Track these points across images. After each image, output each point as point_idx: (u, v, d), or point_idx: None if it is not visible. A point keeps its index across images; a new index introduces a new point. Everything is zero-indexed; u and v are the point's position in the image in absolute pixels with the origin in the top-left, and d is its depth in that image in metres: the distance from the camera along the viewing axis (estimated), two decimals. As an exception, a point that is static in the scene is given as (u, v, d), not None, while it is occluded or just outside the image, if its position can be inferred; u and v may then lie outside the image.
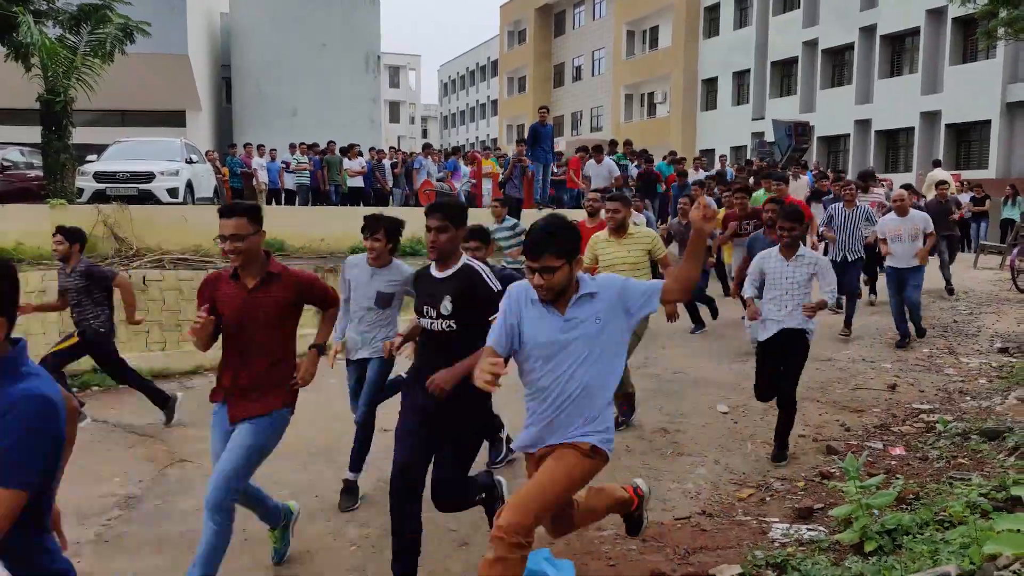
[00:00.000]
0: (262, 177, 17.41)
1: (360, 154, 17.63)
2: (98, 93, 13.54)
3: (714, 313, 9.94)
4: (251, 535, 4.41)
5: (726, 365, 8.20)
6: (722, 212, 9.44)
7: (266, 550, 4.22)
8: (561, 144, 31.60)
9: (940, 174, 17.86)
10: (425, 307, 3.67)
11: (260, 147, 18.07)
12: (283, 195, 17.80)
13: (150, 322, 9.11)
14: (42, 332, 8.54)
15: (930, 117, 27.15)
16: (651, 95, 41.06)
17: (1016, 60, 24.24)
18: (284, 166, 17.64)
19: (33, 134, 14.18)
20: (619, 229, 6.05)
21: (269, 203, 17.42)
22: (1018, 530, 2.80)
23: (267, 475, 4.24)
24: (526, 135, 15.02)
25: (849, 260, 9.18)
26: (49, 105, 12.90)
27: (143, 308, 9.08)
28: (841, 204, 9.58)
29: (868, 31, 29.27)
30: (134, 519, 4.82)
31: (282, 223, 12.34)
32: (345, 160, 17.06)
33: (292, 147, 17.99)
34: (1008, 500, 3.84)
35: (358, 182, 16.93)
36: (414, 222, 6.45)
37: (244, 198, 16.94)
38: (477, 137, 61.93)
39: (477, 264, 3.72)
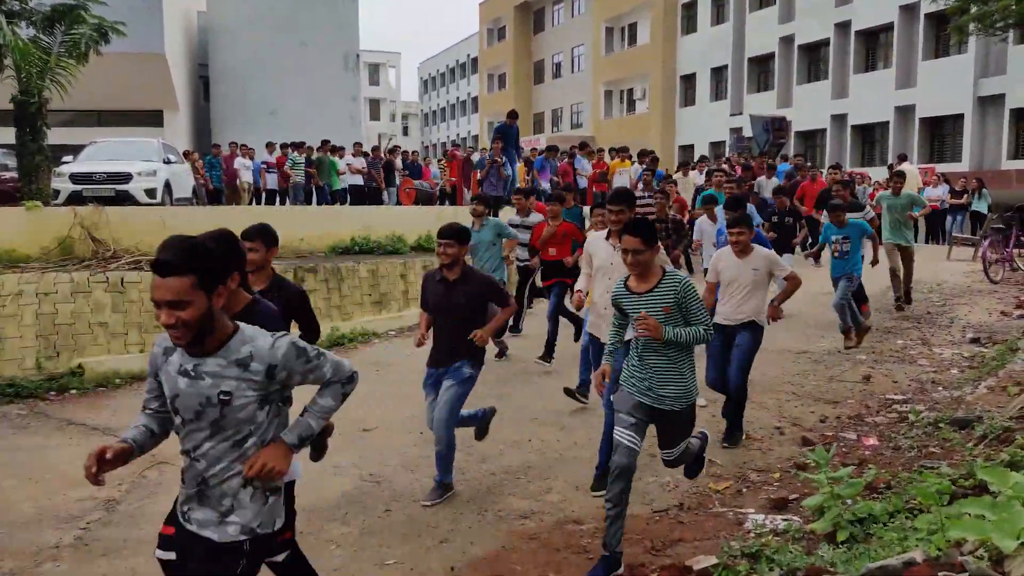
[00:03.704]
0: (245, 177, 17.29)
1: (366, 153, 17.65)
2: (74, 93, 13.37)
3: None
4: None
5: (704, 359, 8.27)
6: None
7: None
8: (543, 141, 31.65)
9: (908, 168, 18.07)
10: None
11: (243, 146, 17.93)
12: (263, 195, 17.69)
13: (128, 324, 9.05)
14: (18, 335, 8.47)
15: (904, 111, 27.50)
16: (630, 91, 41.20)
17: (987, 55, 24.60)
18: (266, 166, 17.53)
19: (7, 135, 13.99)
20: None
21: (251, 203, 17.28)
22: (982, 516, 2.87)
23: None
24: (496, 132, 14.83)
25: None
26: (23, 106, 12.73)
27: (121, 310, 9.02)
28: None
29: (843, 27, 29.57)
30: (114, 522, 4.82)
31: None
32: (348, 157, 17.04)
33: (270, 146, 17.88)
34: (975, 487, 3.93)
35: (357, 180, 16.94)
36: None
37: (225, 198, 16.82)
38: (458, 134, 61.84)
39: None
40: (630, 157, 17.33)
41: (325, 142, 17.36)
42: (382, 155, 18.42)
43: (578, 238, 8.16)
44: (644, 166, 14.69)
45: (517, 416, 6.48)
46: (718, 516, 4.54)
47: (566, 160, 16.69)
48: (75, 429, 6.80)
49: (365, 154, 17.71)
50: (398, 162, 18.10)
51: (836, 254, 8.42)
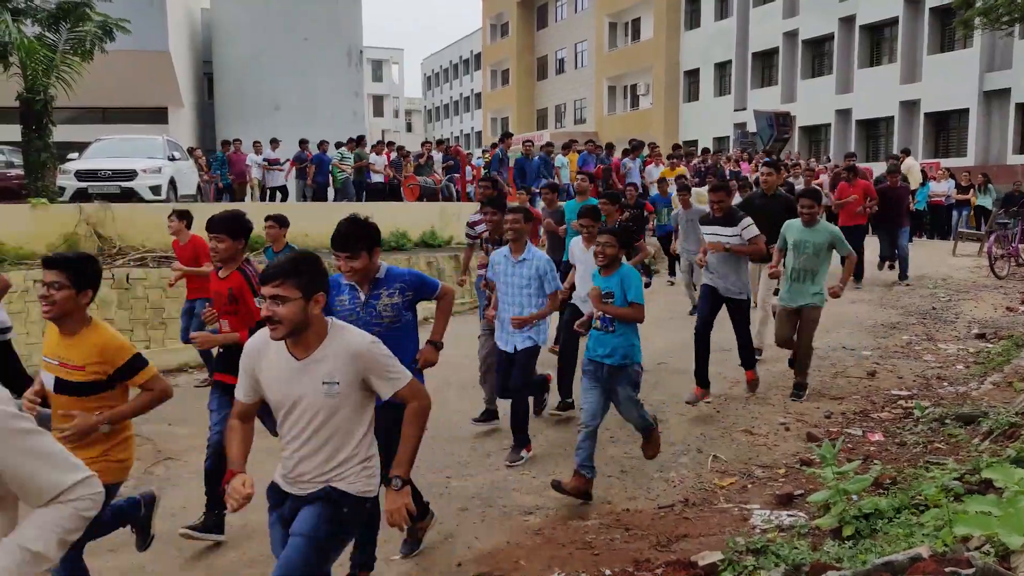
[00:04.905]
0: (255, 174, 17.27)
1: (388, 148, 17.63)
2: (79, 91, 13.41)
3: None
4: (250, 526, 4.44)
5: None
6: None
7: (256, 544, 4.26)
8: (545, 137, 31.59)
9: (909, 163, 18.06)
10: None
11: (256, 143, 17.89)
12: (268, 192, 17.65)
13: (134, 320, 9.08)
14: (25, 332, 8.50)
15: (909, 106, 27.40)
16: (634, 87, 41.12)
17: (993, 49, 24.49)
18: (267, 163, 17.49)
19: (13, 132, 14.05)
20: None
21: (263, 200, 17.23)
22: (988, 512, 2.87)
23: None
24: (512, 163, 14.62)
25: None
26: (29, 104, 12.79)
27: (127, 306, 9.05)
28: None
29: (847, 21, 29.47)
30: (122, 517, 4.83)
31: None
32: (372, 155, 17.03)
33: (274, 142, 17.87)
34: (981, 483, 3.93)
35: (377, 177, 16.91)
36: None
37: (234, 195, 16.79)
38: (462, 131, 61.82)
39: None
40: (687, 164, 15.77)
41: (362, 137, 17.42)
42: (391, 152, 18.39)
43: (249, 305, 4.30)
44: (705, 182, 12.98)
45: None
46: (723, 512, 4.55)
47: (616, 158, 16.53)
48: (82, 425, 6.81)
49: (381, 147, 17.65)
50: (438, 156, 17.93)
51: (598, 324, 4.73)
